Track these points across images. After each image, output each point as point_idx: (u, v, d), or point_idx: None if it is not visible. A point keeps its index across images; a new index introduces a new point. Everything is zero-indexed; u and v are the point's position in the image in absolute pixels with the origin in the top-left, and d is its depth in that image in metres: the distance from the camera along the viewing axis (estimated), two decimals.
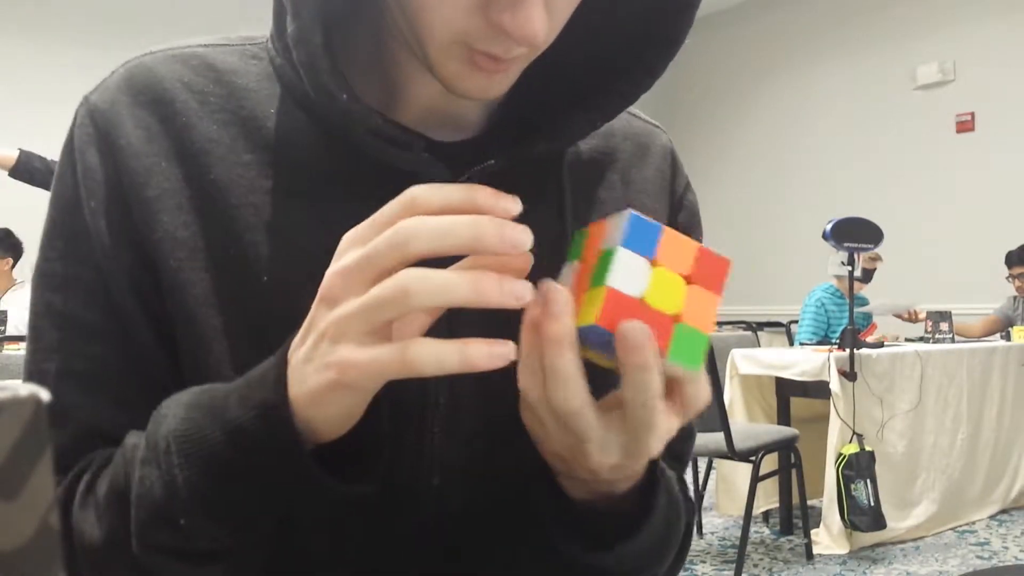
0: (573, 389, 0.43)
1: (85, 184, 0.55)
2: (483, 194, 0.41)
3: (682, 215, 0.69)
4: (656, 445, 0.45)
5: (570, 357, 0.42)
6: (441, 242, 0.40)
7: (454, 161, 0.56)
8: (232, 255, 0.54)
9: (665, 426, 0.44)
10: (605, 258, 0.41)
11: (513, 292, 0.40)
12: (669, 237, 0.41)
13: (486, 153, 0.57)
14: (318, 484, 0.44)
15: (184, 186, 0.55)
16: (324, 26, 0.51)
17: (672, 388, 0.44)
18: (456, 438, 0.56)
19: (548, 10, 0.49)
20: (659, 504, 0.53)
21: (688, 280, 0.42)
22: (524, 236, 0.41)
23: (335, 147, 0.56)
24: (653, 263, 0.41)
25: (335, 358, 0.41)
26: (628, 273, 0.40)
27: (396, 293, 0.39)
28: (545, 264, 0.47)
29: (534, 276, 0.43)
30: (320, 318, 0.42)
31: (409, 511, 0.56)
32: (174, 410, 0.47)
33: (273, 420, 0.43)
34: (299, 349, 0.43)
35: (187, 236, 0.54)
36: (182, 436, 0.45)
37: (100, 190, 0.55)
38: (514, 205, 0.41)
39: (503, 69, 0.52)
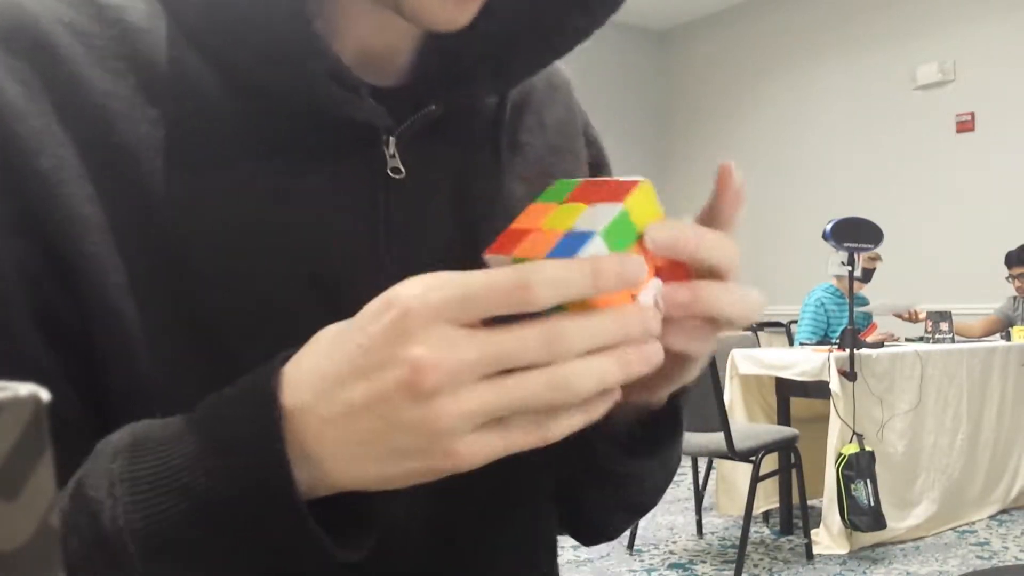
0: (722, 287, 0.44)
1: None
2: (609, 279, 0.37)
3: (591, 150, 0.67)
4: None
5: (707, 288, 0.44)
6: (598, 346, 0.37)
7: (392, 108, 0.51)
8: (151, 235, 0.46)
9: None
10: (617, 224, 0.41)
11: (651, 359, 0.38)
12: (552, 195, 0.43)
13: (423, 99, 0.52)
14: (325, 559, 0.39)
15: (82, 152, 0.45)
16: None
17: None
18: None
19: None
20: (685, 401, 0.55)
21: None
22: (655, 319, 0.39)
23: (249, 98, 0.48)
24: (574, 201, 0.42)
25: (445, 447, 0.36)
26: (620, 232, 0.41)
27: (560, 396, 0.36)
28: (486, 213, 0.46)
29: (480, 229, 0.43)
30: (404, 407, 0.35)
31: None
32: (108, 489, 0.39)
33: (278, 501, 0.38)
34: (346, 426, 0.37)
35: (95, 212, 0.45)
36: (142, 529, 0.38)
37: None
38: (639, 269, 0.38)
39: None
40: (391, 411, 0.36)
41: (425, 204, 0.53)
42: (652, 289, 0.41)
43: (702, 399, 3.20)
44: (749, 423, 3.91)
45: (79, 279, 0.45)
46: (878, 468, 3.60)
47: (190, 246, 0.47)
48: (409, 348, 0.35)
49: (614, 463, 0.55)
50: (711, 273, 0.44)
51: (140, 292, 0.46)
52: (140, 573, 0.39)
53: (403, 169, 0.52)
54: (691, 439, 3.39)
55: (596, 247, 0.39)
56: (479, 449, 0.36)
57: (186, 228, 0.46)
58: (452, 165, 0.55)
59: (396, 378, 0.35)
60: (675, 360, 0.45)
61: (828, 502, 3.65)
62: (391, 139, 0.51)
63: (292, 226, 0.48)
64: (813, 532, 3.70)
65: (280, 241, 0.48)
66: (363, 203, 0.51)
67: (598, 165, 0.67)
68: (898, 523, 3.78)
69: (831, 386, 3.63)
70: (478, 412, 0.35)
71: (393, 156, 0.51)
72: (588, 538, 0.67)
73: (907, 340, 4.70)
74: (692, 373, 0.48)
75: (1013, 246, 4.98)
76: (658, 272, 0.42)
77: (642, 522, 4.09)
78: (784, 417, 3.97)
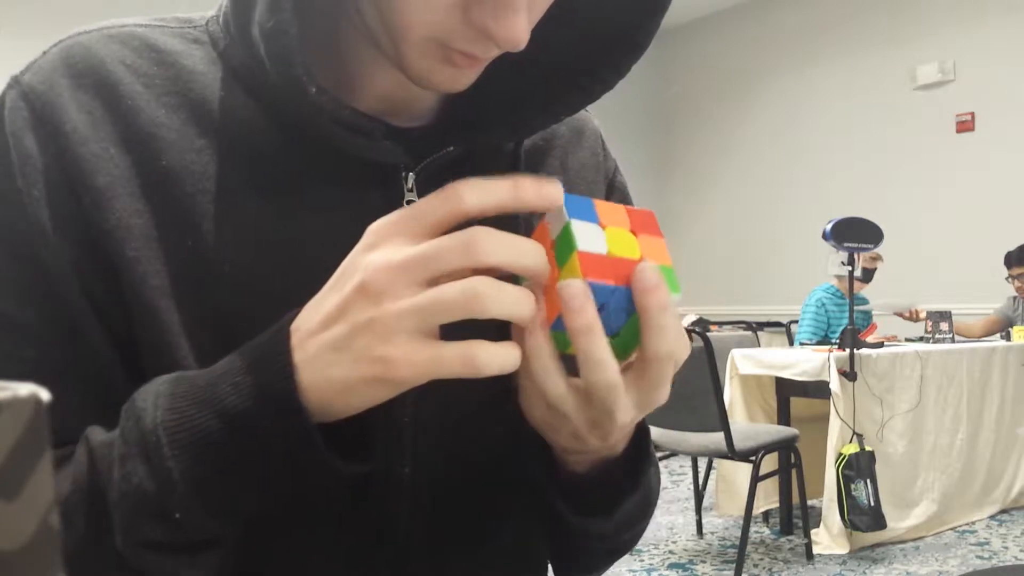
0: (609, 365, 0.44)
1: (23, 172, 0.51)
2: (528, 191, 0.43)
3: (614, 196, 0.71)
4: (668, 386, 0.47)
5: (602, 341, 0.43)
6: (513, 263, 0.42)
7: (412, 147, 0.56)
8: (190, 246, 0.52)
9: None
10: (563, 237, 0.45)
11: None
12: (601, 204, 0.46)
13: (443, 139, 0.57)
14: (326, 467, 0.44)
15: (135, 173, 0.52)
16: (300, 18, 0.49)
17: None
18: (423, 423, 0.56)
19: (528, 12, 0.49)
20: (649, 466, 0.57)
21: (633, 233, 0.46)
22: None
23: (287, 133, 0.55)
24: (601, 226, 0.45)
25: (382, 352, 0.41)
26: (588, 237, 0.44)
27: (469, 299, 0.40)
28: None
29: None
30: (359, 308, 0.42)
31: (383, 500, 0.56)
32: (152, 400, 0.46)
33: (282, 408, 0.43)
34: (320, 334, 0.43)
35: (141, 224, 0.52)
36: (173, 427, 0.44)
37: (40, 178, 0.51)
38: (556, 190, 0.44)
39: (477, 66, 0.52)
40: (352, 313, 0.42)
41: None
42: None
43: (702, 399, 3.20)
44: (749, 423, 3.91)
45: (122, 279, 0.51)
46: (878, 468, 3.60)
47: (223, 257, 0.53)
48: (367, 256, 0.43)
49: (571, 519, 0.56)
50: None
51: (176, 293, 0.52)
52: (168, 466, 0.44)
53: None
54: (691, 439, 3.40)
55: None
56: (411, 358, 0.41)
57: (220, 241, 0.53)
58: None
59: (355, 282, 0.42)
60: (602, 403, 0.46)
61: (828, 502, 3.65)
62: (410, 175, 0.57)
63: (315, 245, 0.54)
64: (813, 532, 3.70)
65: (303, 257, 0.54)
66: None
67: None
68: (898, 523, 3.78)
69: (831, 386, 3.63)
70: (411, 311, 0.41)
71: (411, 190, 0.57)
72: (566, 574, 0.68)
73: (907, 340, 4.70)
74: (623, 419, 0.47)
75: (1013, 246, 4.97)
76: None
77: None
78: (784, 417, 3.97)
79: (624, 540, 0.62)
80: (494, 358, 0.42)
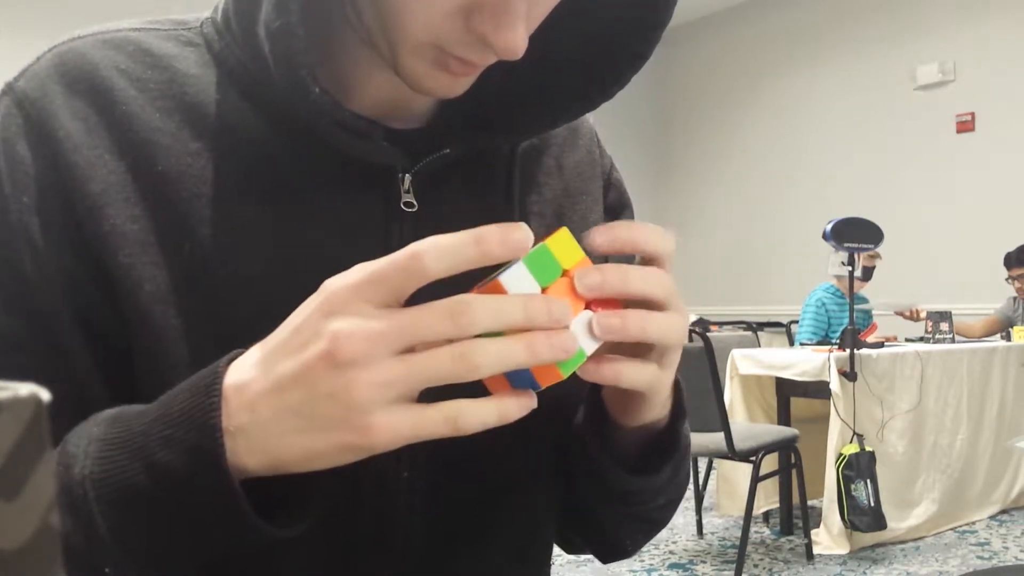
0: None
1: (13, 179, 0.51)
2: (492, 245, 0.40)
3: (611, 194, 0.71)
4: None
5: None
6: (500, 324, 0.40)
7: (409, 148, 0.56)
8: (187, 250, 0.52)
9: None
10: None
11: (562, 346, 0.41)
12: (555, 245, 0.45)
13: (440, 141, 0.57)
14: (252, 528, 0.43)
15: (130, 179, 0.52)
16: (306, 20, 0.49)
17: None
18: None
19: (525, 21, 0.49)
20: (684, 430, 0.61)
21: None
22: (566, 311, 0.42)
23: (282, 136, 0.54)
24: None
25: (360, 421, 0.39)
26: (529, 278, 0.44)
27: (462, 369, 0.39)
28: None
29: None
30: (324, 376, 0.39)
31: (381, 503, 0.55)
32: (84, 447, 0.44)
33: (208, 466, 0.41)
34: (275, 397, 0.41)
35: (136, 230, 0.51)
36: (100, 481, 0.43)
37: (33, 185, 0.51)
38: (522, 236, 0.41)
39: (472, 72, 0.53)
40: (314, 381, 0.40)
41: (437, 234, 0.56)
42: (583, 319, 0.44)
43: (702, 399, 3.20)
44: (749, 423, 3.91)
45: (115, 286, 0.51)
46: (878, 468, 3.60)
47: (220, 262, 0.52)
48: (330, 323, 0.40)
49: (621, 483, 0.58)
50: (646, 305, 0.47)
51: (172, 300, 0.51)
52: (95, 521, 0.43)
53: (416, 204, 0.57)
54: (691, 439, 3.39)
55: (519, 271, 0.43)
56: (391, 425, 0.40)
57: (218, 245, 0.52)
58: (466, 202, 0.59)
59: (318, 350, 0.39)
60: (630, 395, 0.52)
61: (828, 502, 3.65)
62: (407, 177, 0.56)
63: (313, 248, 0.54)
64: (813, 532, 3.70)
65: (301, 261, 0.53)
66: (378, 231, 0.56)
67: (619, 207, 0.71)
68: (898, 523, 3.78)
69: (831, 386, 3.63)
70: (389, 383, 0.39)
71: (408, 191, 0.56)
72: (605, 554, 0.70)
73: (907, 340, 4.70)
74: (654, 405, 0.53)
75: (1013, 246, 4.97)
76: (594, 309, 0.45)
77: None
78: (784, 417, 3.97)
79: (671, 497, 0.64)
80: (476, 419, 0.40)
